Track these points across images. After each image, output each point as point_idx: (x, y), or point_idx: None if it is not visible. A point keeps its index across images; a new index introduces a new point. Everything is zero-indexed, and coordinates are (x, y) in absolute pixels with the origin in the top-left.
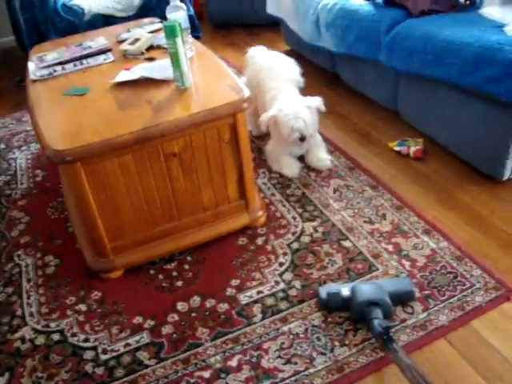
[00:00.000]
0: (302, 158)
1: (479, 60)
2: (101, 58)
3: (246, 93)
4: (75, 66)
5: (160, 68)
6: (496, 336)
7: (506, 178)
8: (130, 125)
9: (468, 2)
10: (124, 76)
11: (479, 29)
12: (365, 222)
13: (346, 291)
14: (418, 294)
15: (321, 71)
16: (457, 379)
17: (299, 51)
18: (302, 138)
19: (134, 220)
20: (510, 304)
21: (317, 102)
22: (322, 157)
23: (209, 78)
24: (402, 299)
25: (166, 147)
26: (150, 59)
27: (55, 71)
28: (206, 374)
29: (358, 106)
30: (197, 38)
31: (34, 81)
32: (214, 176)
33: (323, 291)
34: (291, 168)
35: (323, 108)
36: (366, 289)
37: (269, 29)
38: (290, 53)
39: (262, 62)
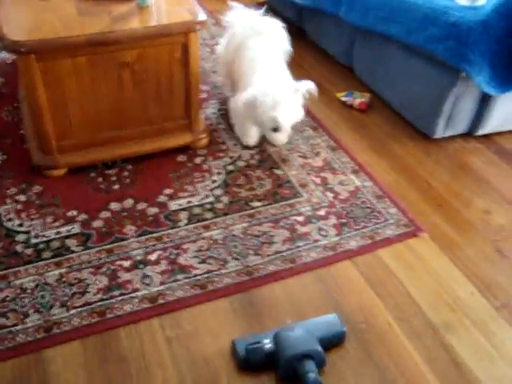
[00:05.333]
0: None
1: (426, 20)
2: None
3: (201, 17)
4: None
5: None
6: (397, 264)
7: (437, 136)
8: (87, 28)
9: None
10: None
11: None
12: (299, 156)
13: (268, 343)
14: (334, 221)
15: (289, 24)
16: (353, 293)
17: (270, 3)
18: (276, 129)
19: (81, 122)
20: (415, 240)
21: (309, 85)
22: (279, 137)
23: (170, 1)
24: (334, 343)
25: (120, 56)
26: None
27: None
28: (126, 264)
29: (317, 59)
30: None
31: None
32: (163, 92)
33: (241, 345)
34: (251, 138)
35: (316, 93)
36: (293, 339)
37: None
38: (262, 5)
39: (243, 21)
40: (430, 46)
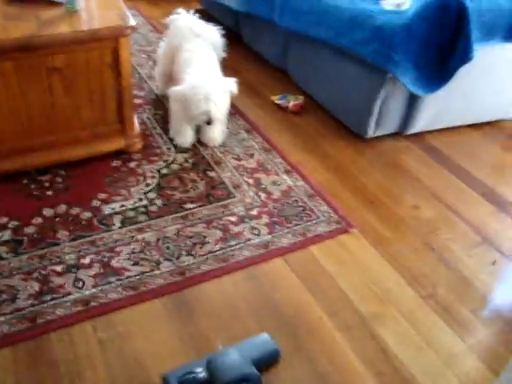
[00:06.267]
0: None
1: (353, 23)
2: None
3: (131, 22)
4: None
5: None
6: (328, 260)
7: (369, 135)
8: (13, 32)
9: None
10: None
11: None
12: (233, 158)
13: (201, 372)
14: (267, 221)
15: (227, 31)
16: (285, 289)
17: (209, 10)
18: (209, 122)
19: (10, 128)
20: (346, 236)
21: (231, 83)
22: (213, 136)
23: (101, 6)
24: (269, 363)
25: (49, 61)
26: None
27: None
28: (58, 268)
29: (252, 63)
30: None
31: None
32: (94, 96)
33: (172, 379)
34: (184, 138)
35: (235, 90)
36: (227, 364)
37: None
38: (201, 12)
39: (182, 24)
40: (358, 48)
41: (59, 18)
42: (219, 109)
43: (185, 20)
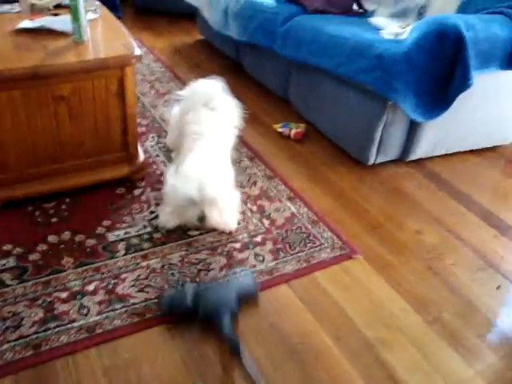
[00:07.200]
0: None
1: (354, 53)
2: (6, 7)
3: (137, 51)
4: None
5: (62, 22)
6: (333, 286)
7: (371, 162)
8: (23, 62)
9: (361, 11)
10: (26, 24)
11: (360, 29)
12: (236, 185)
13: (188, 301)
14: (271, 247)
15: (227, 60)
16: (290, 315)
17: (210, 40)
18: (202, 219)
19: (16, 156)
20: (351, 262)
21: (231, 178)
22: (226, 220)
23: (106, 36)
24: (247, 296)
25: (56, 90)
26: (56, 14)
27: None
28: (63, 295)
29: (253, 92)
30: (118, 18)
31: None
32: (99, 125)
33: (165, 300)
34: (168, 220)
35: (238, 124)
36: (209, 298)
37: (188, 18)
38: (203, 42)
39: (199, 90)
40: (359, 76)
41: (66, 48)
42: (219, 213)
43: (204, 86)
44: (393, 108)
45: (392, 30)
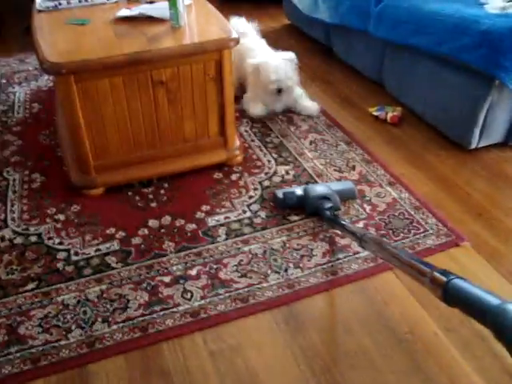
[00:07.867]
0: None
1: (456, 30)
2: None
3: (234, 34)
4: (80, 1)
5: (159, 9)
6: None
7: (473, 146)
8: (124, 48)
9: None
10: (124, 12)
11: (462, 4)
12: (335, 170)
13: (299, 191)
14: (374, 233)
15: (316, 44)
16: (397, 304)
17: (298, 25)
18: (280, 90)
19: (118, 142)
20: (457, 249)
21: (291, 55)
22: (308, 104)
23: (202, 21)
24: (347, 196)
25: (155, 75)
26: (151, 2)
27: (60, 4)
28: (167, 279)
29: (346, 75)
30: None
31: (40, 11)
32: (197, 109)
33: (279, 192)
34: (257, 109)
35: (295, 60)
36: (316, 188)
37: (273, 3)
38: (290, 27)
39: (234, 26)
40: (463, 55)
41: (165, 34)
42: (288, 78)
43: (235, 24)
44: (499, 88)
45: (498, 4)
